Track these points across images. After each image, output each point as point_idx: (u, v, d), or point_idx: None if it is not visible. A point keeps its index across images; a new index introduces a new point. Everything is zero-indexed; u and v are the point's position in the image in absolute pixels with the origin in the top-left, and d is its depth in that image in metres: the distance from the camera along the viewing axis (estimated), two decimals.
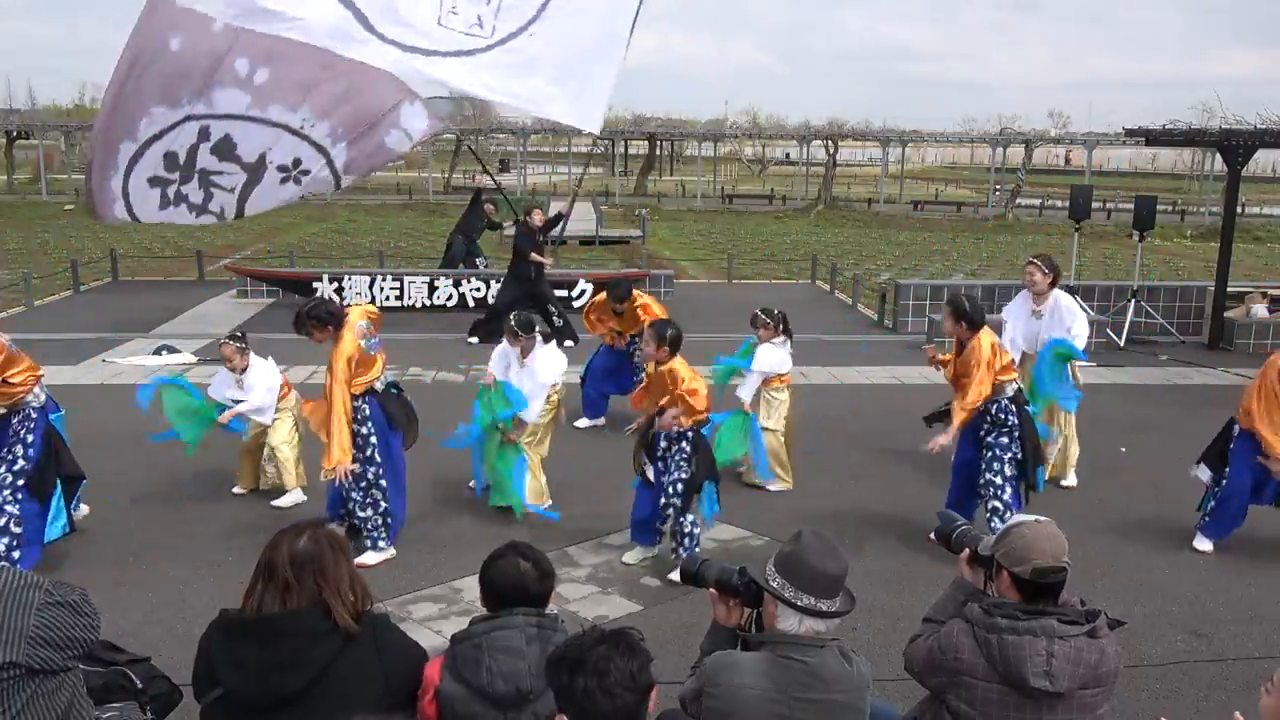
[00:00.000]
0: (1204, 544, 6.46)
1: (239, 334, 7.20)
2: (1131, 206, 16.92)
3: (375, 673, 2.87)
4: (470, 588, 5.59)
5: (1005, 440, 6.19)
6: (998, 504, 6.15)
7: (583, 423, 9.13)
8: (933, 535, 3.60)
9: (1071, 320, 7.40)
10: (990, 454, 6.22)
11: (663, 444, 6.07)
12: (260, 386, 7.04)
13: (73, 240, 24.35)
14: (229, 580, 5.64)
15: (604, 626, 2.54)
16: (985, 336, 6.18)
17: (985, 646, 3.02)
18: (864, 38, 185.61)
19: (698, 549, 6.02)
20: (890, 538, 6.54)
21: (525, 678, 2.83)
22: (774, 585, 2.95)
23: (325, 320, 6.02)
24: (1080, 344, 7.25)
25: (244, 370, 7.04)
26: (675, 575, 5.92)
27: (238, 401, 7.04)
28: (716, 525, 6.77)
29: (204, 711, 2.91)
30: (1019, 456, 6.20)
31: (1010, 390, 6.25)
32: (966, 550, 3.34)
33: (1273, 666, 2.75)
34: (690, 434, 6.03)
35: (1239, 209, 17.44)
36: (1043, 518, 3.18)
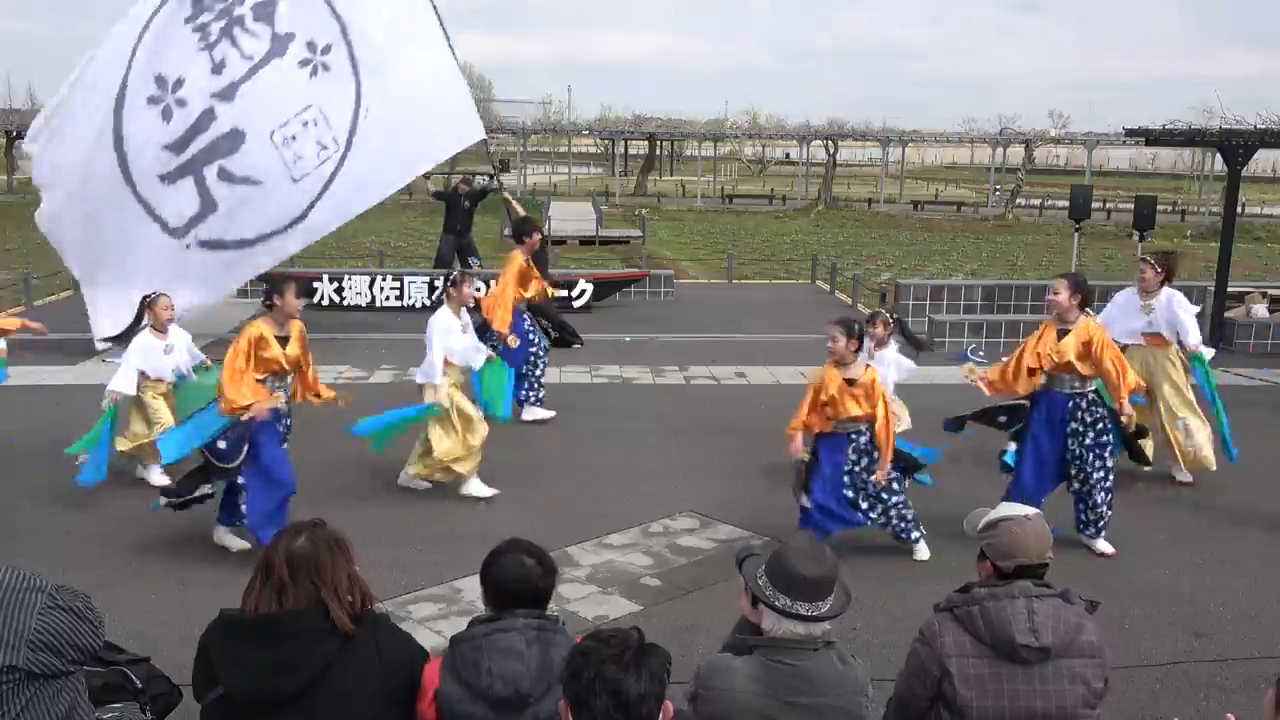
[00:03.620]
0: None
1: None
2: (1131, 206, 16.93)
3: (375, 673, 2.87)
4: (470, 588, 5.59)
5: (1105, 438, 6.28)
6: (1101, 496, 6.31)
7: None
8: None
9: (1184, 330, 7.50)
10: (1091, 451, 6.28)
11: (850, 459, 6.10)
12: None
13: None
14: (229, 580, 5.64)
15: (637, 634, 2.48)
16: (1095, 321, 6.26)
17: (969, 621, 3.05)
18: (864, 38, 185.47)
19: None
20: (890, 538, 6.53)
21: (525, 680, 2.81)
22: (759, 583, 2.98)
23: None
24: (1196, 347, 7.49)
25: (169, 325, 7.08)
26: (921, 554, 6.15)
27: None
28: (719, 525, 6.78)
29: (204, 711, 2.91)
30: (1115, 449, 6.39)
31: (1096, 384, 6.33)
32: None
33: (1273, 666, 2.76)
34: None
35: (1239, 209, 17.40)
36: (1031, 512, 3.21)
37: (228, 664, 2.83)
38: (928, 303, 14.31)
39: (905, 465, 6.30)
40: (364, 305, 14.77)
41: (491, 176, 16.45)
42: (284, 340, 6.09)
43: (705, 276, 20.37)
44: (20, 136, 42.59)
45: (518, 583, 2.93)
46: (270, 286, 6.23)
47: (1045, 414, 6.38)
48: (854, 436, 6.09)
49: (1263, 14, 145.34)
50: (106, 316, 8.25)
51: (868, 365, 6.20)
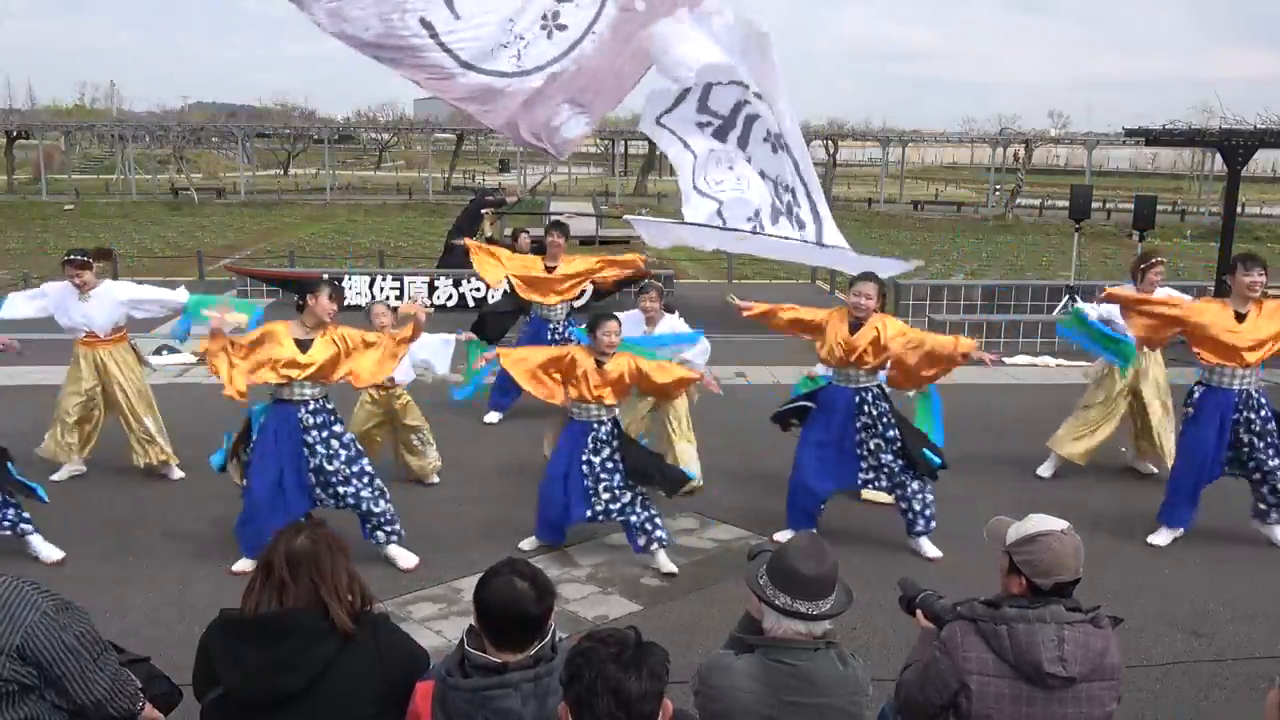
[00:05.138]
0: (1163, 537, 6.55)
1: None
2: (1131, 206, 16.91)
3: (374, 673, 2.87)
4: (470, 588, 5.58)
5: (892, 432, 6.23)
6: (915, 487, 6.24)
7: (493, 417, 9.18)
8: (899, 601, 3.56)
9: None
10: (888, 445, 6.26)
11: (589, 448, 6.03)
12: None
13: (73, 240, 24.31)
14: (229, 580, 5.64)
15: (634, 633, 2.46)
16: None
17: (994, 639, 2.99)
18: (864, 38, 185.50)
19: (663, 537, 6.05)
20: (890, 536, 6.53)
21: None
22: (760, 582, 2.98)
23: None
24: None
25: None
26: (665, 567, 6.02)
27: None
28: (719, 525, 6.78)
29: (204, 711, 2.91)
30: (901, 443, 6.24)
31: (881, 377, 6.35)
32: (921, 612, 3.38)
33: (1272, 666, 2.76)
34: (612, 428, 6.12)
35: (1239, 209, 17.44)
36: (1067, 527, 3.11)
37: (228, 664, 2.83)
38: (928, 303, 14.31)
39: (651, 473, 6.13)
40: (364, 305, 14.77)
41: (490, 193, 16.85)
42: (306, 344, 5.83)
43: (705, 276, 20.37)
44: (20, 136, 42.70)
45: (507, 607, 2.72)
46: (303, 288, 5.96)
47: (828, 408, 6.40)
48: (595, 426, 6.08)
49: (1263, 14, 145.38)
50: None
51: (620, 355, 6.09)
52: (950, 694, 3.04)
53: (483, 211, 16.23)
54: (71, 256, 7.17)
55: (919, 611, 3.40)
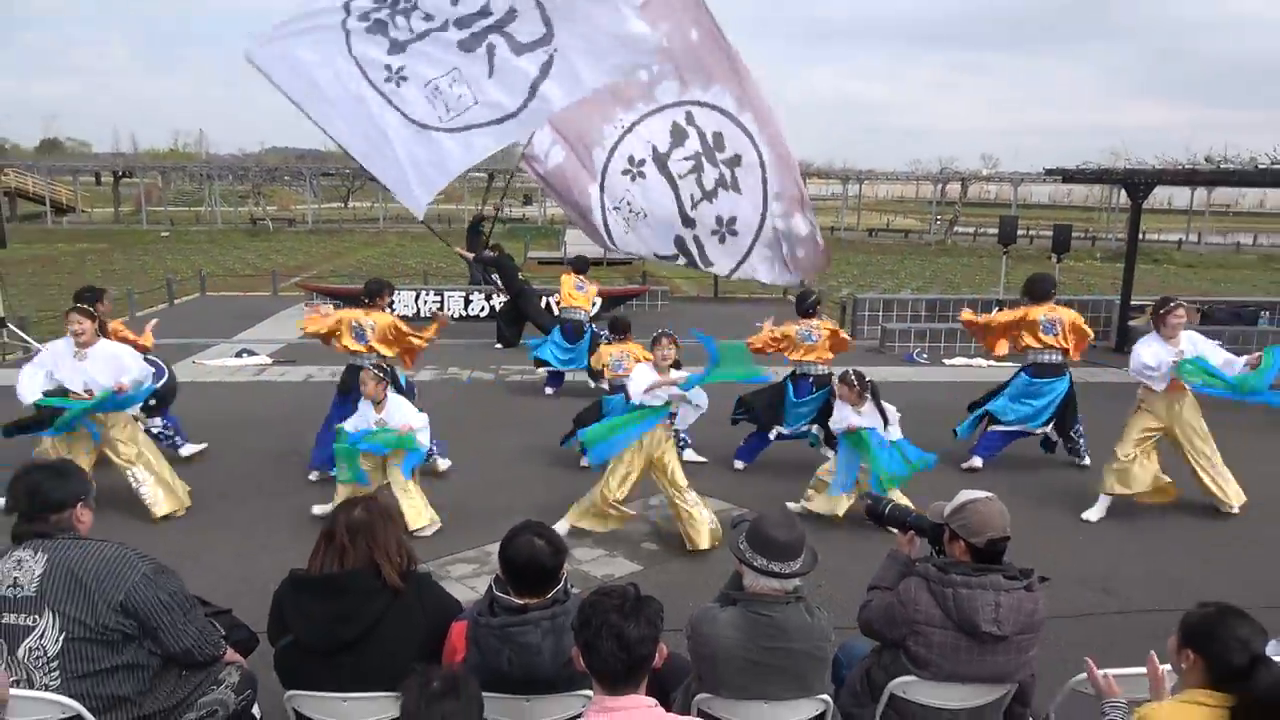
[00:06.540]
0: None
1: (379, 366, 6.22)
2: (1051, 233, 16.88)
3: (418, 622, 2.87)
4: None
5: None
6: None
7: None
8: (865, 512, 3.64)
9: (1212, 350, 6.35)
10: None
11: None
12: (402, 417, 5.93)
13: (168, 261, 24.33)
14: (296, 546, 5.62)
15: (634, 588, 2.48)
16: None
17: (941, 599, 3.01)
18: (828, 91, 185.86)
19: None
20: (855, 517, 6.53)
21: (543, 669, 2.74)
22: (741, 549, 2.98)
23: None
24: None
25: (380, 402, 5.93)
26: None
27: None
28: (708, 499, 6.75)
29: (277, 655, 2.91)
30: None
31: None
32: (910, 530, 3.36)
33: (1170, 619, 2.76)
34: None
35: (1140, 235, 17.27)
36: (991, 495, 3.14)
37: (296, 615, 2.83)
38: (881, 313, 14.32)
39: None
40: (411, 316, 14.80)
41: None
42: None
43: (695, 291, 20.35)
44: (125, 175, 42.73)
45: (527, 561, 2.77)
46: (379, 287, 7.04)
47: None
48: None
49: (1164, 75, 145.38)
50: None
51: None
52: (900, 635, 3.08)
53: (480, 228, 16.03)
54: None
55: (910, 532, 3.35)
